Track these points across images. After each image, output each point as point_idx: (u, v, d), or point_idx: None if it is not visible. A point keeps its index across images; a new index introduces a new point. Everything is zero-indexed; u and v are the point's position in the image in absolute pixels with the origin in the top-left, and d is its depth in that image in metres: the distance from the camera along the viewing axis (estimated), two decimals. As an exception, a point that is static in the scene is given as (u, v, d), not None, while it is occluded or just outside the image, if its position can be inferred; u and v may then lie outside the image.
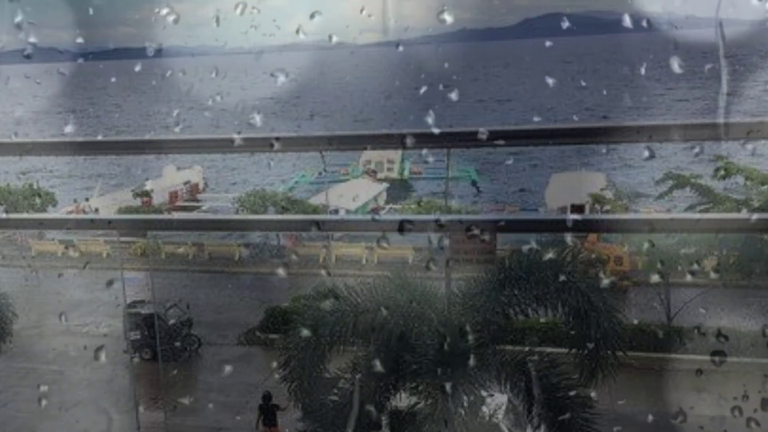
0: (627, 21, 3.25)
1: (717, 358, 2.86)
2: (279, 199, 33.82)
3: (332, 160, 48.45)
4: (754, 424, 2.78)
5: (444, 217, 2.38)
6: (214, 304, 27.45)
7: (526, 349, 13.45)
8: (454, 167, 46.56)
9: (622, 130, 2.46)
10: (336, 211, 33.40)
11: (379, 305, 12.84)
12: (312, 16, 3.69)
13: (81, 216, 21.88)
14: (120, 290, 21.08)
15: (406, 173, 50.46)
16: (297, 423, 14.53)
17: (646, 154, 2.63)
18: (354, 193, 39.57)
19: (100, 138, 2.69)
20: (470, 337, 12.06)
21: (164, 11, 3.09)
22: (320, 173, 45.87)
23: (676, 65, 2.65)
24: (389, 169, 48.98)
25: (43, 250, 34.69)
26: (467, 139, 2.52)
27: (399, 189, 47.55)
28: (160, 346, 21.18)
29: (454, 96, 2.57)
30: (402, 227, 2.45)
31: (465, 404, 10.94)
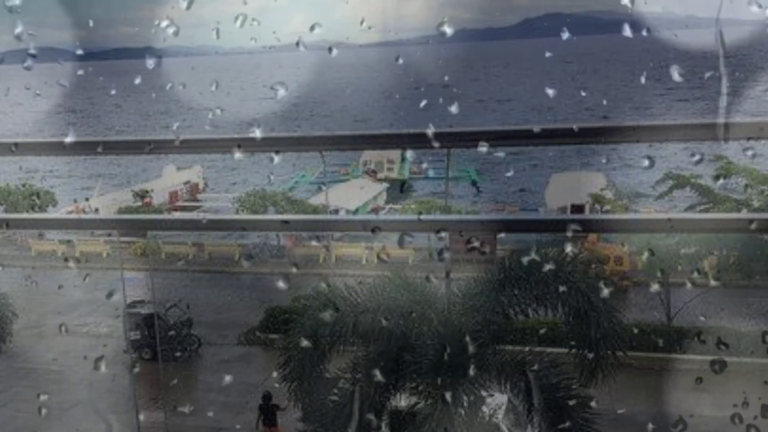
0: (627, 30, 3.25)
1: (717, 366, 2.85)
2: (279, 199, 33.83)
3: (332, 160, 48.46)
4: (754, 431, 2.78)
5: (444, 217, 2.38)
6: (214, 304, 27.45)
7: (526, 349, 13.45)
8: (454, 167, 46.55)
9: (622, 130, 2.46)
10: (336, 211, 33.41)
11: (379, 305, 12.84)
12: (312, 28, 3.70)
13: (81, 216, 21.86)
14: (120, 290, 21.07)
15: (406, 173, 50.46)
16: (297, 423, 14.54)
17: (646, 163, 2.63)
18: (354, 193, 39.60)
19: (100, 138, 2.69)
20: (470, 338, 12.07)
21: (164, 23, 3.08)
22: (320, 173, 45.90)
23: (676, 74, 2.65)
24: (389, 169, 48.98)
25: (43, 250, 34.70)
26: (467, 139, 2.52)
27: (399, 189, 47.55)
28: (160, 346, 21.18)
29: (454, 109, 2.56)
30: (401, 241, 2.46)
31: (465, 404, 10.94)
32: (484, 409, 12.36)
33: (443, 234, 2.52)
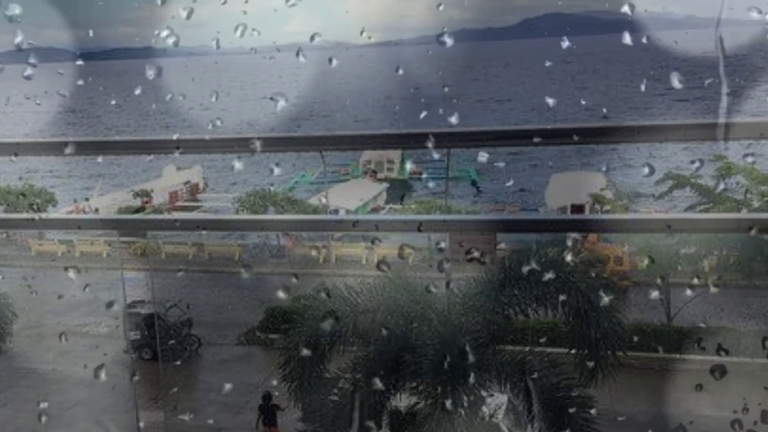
0: (627, 39, 3.25)
1: (717, 373, 2.85)
2: (279, 199, 33.81)
3: (332, 160, 48.45)
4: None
5: (444, 217, 2.38)
6: (214, 304, 27.44)
7: (526, 349, 13.45)
8: (454, 167, 46.55)
9: (622, 130, 2.46)
10: (336, 211, 33.41)
11: (379, 305, 12.84)
12: (312, 38, 3.70)
13: (81, 216, 21.88)
14: (120, 290, 21.09)
15: (406, 173, 50.46)
16: (297, 423, 14.53)
17: (646, 171, 2.63)
18: (354, 193, 39.60)
19: (100, 138, 2.69)
20: (470, 338, 12.06)
21: (164, 33, 3.09)
22: (320, 173, 45.91)
23: (675, 80, 2.65)
24: (389, 169, 48.99)
25: (43, 250, 34.70)
26: (467, 139, 2.52)
27: (399, 189, 47.56)
28: (160, 346, 21.18)
29: (454, 120, 2.56)
30: (402, 253, 2.46)
31: (465, 404, 10.93)
32: (484, 409, 12.35)
33: (443, 244, 2.52)
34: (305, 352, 12.78)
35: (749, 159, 20.92)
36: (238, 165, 2.54)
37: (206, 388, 21.64)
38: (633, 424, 16.40)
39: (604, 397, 14.78)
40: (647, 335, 20.80)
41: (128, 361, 21.59)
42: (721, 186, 21.39)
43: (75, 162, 55.16)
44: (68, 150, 2.66)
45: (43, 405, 17.57)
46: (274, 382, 15.14)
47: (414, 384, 12.01)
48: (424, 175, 49.49)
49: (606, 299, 12.11)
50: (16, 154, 2.65)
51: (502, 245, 25.89)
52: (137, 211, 32.46)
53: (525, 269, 12.96)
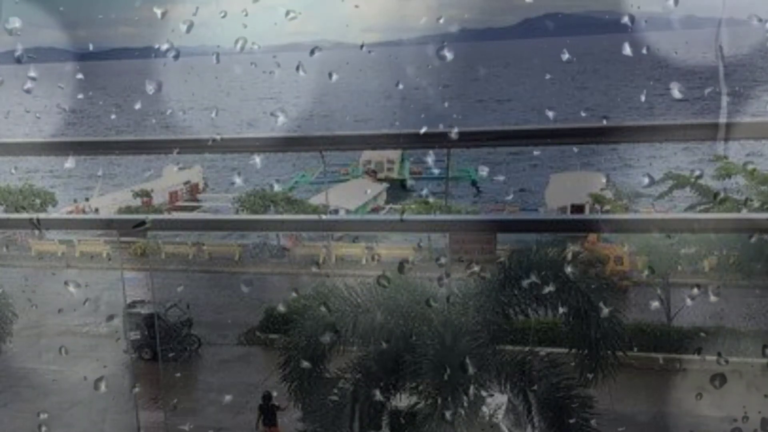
0: (627, 49, 3.26)
1: (717, 382, 2.85)
2: (279, 199, 33.80)
3: (332, 160, 48.45)
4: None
5: (444, 217, 2.38)
6: (214, 304, 27.43)
7: (526, 349, 13.45)
8: (454, 167, 46.54)
9: (622, 130, 2.47)
10: (336, 211, 33.40)
11: (379, 305, 12.84)
12: (312, 52, 3.71)
13: (81, 216, 21.89)
14: (120, 290, 21.09)
15: (406, 173, 50.45)
16: (297, 423, 14.53)
17: (646, 181, 2.63)
18: (354, 193, 39.59)
19: (100, 138, 2.69)
20: (470, 338, 12.06)
21: (164, 46, 3.10)
22: (320, 173, 45.90)
23: (676, 90, 2.66)
24: (389, 169, 48.98)
25: (43, 250, 34.69)
26: (467, 139, 2.52)
27: (399, 189, 47.55)
28: (160, 346, 21.18)
29: (454, 135, 2.57)
30: (401, 268, 2.46)
31: (465, 404, 10.93)
32: (484, 409, 12.35)
33: (443, 260, 2.52)
34: (305, 364, 12.80)
35: (749, 166, 21.04)
36: (238, 180, 2.55)
37: (206, 388, 21.64)
38: (633, 424, 16.40)
39: (604, 397, 14.78)
40: (647, 335, 20.80)
41: (128, 361, 21.58)
42: (722, 195, 21.38)
43: (75, 162, 55.13)
44: (68, 149, 2.67)
45: (43, 405, 17.63)
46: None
47: (414, 384, 12.01)
48: (424, 175, 49.50)
49: (606, 310, 12.15)
50: (16, 168, 2.66)
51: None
52: (138, 225, 32.39)
53: (525, 269, 12.96)
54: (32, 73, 2.86)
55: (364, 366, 12.62)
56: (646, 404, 18.38)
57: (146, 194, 42.48)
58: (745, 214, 2.31)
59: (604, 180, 33.80)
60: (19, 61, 2.75)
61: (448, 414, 10.85)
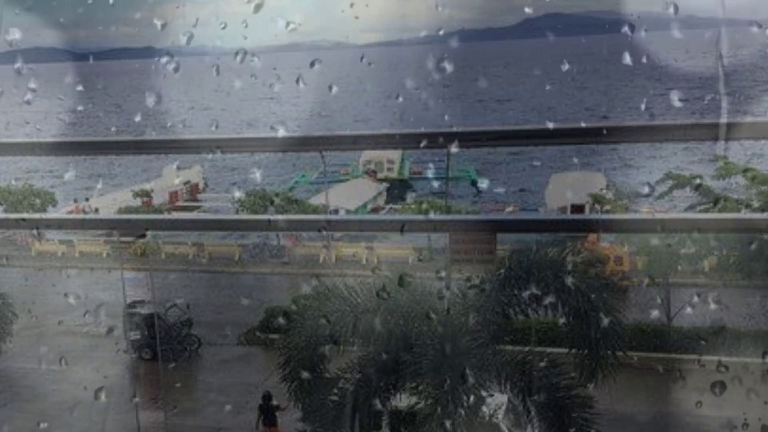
0: (627, 58, 3.27)
1: (717, 389, 2.86)
2: (279, 199, 33.81)
3: (332, 160, 48.44)
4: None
5: (444, 217, 2.38)
6: (214, 304, 27.44)
7: (526, 349, 13.46)
8: (454, 167, 46.54)
9: (622, 130, 2.47)
10: (336, 211, 33.40)
11: (379, 305, 12.84)
12: (312, 64, 3.73)
13: (81, 216, 21.82)
14: (120, 290, 21.09)
15: (406, 173, 50.45)
16: (297, 423, 14.53)
17: (646, 190, 2.63)
18: (354, 193, 39.59)
19: (100, 138, 2.70)
20: (470, 338, 12.07)
21: (164, 59, 3.12)
22: (320, 173, 45.90)
23: (676, 99, 2.66)
24: (389, 169, 48.97)
25: (43, 250, 34.69)
26: (467, 139, 2.52)
27: (399, 189, 47.54)
28: (160, 346, 21.18)
29: (454, 149, 2.57)
30: (402, 282, 2.45)
31: (465, 404, 10.94)
32: (484, 409, 12.36)
33: (443, 273, 2.53)
34: (305, 375, 12.81)
35: (749, 174, 21.06)
36: (238, 194, 2.56)
37: (206, 388, 21.65)
38: (633, 424, 16.40)
39: (604, 397, 14.78)
40: (647, 335, 20.80)
41: (128, 361, 21.58)
42: (722, 203, 21.37)
43: (75, 162, 55.14)
44: (68, 150, 2.67)
45: (43, 405, 17.63)
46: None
47: (414, 384, 12.01)
48: (424, 175, 49.51)
49: (606, 321, 12.17)
50: (17, 179, 2.68)
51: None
52: (140, 237, 32.49)
53: (525, 269, 12.96)
54: (32, 85, 2.87)
55: (364, 366, 12.62)
56: (645, 404, 18.37)
57: (146, 194, 42.50)
58: (745, 214, 2.31)
59: (604, 180, 33.79)
60: (19, 72, 2.77)
61: (447, 414, 10.85)
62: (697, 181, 18.41)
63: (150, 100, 3.16)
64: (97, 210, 38.32)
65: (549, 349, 14.49)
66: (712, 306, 21.90)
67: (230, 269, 31.99)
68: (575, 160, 42.62)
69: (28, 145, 2.75)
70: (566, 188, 35.54)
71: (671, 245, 20.53)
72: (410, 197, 42.25)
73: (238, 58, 3.09)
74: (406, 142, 2.65)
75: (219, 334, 24.83)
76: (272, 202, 31.58)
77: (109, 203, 40.39)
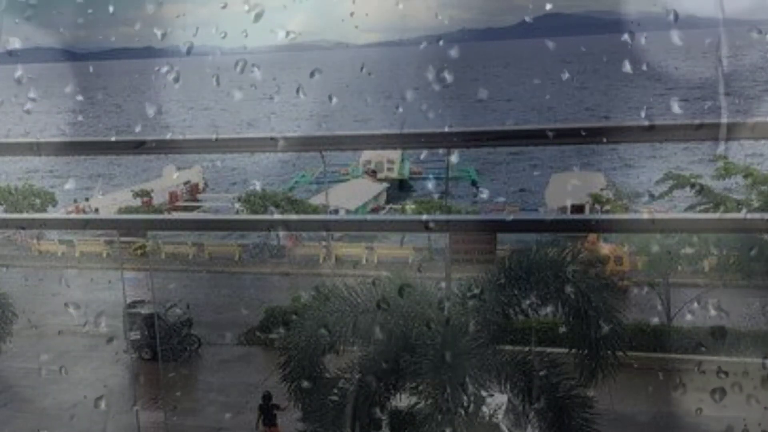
0: (627, 67, 3.28)
1: (717, 395, 2.86)
2: (279, 199, 33.81)
3: (332, 160, 48.45)
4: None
5: (444, 217, 2.38)
6: (214, 304, 27.44)
7: (526, 349, 13.44)
8: (454, 167, 46.55)
9: (622, 130, 2.46)
10: (336, 211, 33.41)
11: (379, 305, 12.83)
12: (312, 74, 3.72)
13: (81, 216, 21.82)
14: (120, 290, 21.09)
15: (406, 173, 50.46)
16: (297, 423, 14.53)
17: (646, 198, 2.64)
18: (354, 193, 39.59)
19: (100, 138, 2.70)
20: (470, 338, 12.06)
21: (164, 68, 3.13)
22: (320, 173, 45.90)
23: (676, 106, 2.66)
24: (389, 169, 48.98)
25: (43, 250, 34.70)
26: (467, 139, 2.52)
27: (399, 189, 47.57)
28: (160, 346, 21.17)
29: (454, 135, 2.57)
30: (401, 292, 2.45)
31: (465, 404, 10.93)
32: (484, 409, 12.35)
33: (442, 284, 2.53)
34: (305, 384, 12.80)
35: (749, 177, 21.04)
36: (237, 205, 2.56)
37: (206, 388, 21.65)
38: (633, 424, 16.40)
39: (604, 397, 14.79)
40: (647, 335, 20.80)
41: (128, 361, 21.58)
42: (722, 209, 21.37)
43: (75, 162, 55.16)
44: (68, 150, 2.67)
45: (43, 405, 17.62)
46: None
47: (414, 384, 12.00)
48: (424, 175, 49.53)
49: (606, 328, 12.15)
50: (17, 187, 2.68)
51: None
52: (140, 248, 32.57)
53: (525, 269, 12.95)
54: (32, 95, 2.88)
55: (364, 366, 12.61)
56: (645, 404, 18.36)
57: (146, 194, 42.51)
58: (745, 214, 2.31)
59: (604, 180, 33.80)
60: (19, 81, 2.77)
61: (447, 414, 10.84)
62: (697, 186, 18.39)
63: (150, 112, 3.17)
64: (97, 210, 38.34)
65: (549, 349, 14.48)
66: (712, 307, 21.93)
67: (230, 269, 32.00)
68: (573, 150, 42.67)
69: (28, 145, 2.75)
70: (566, 188, 35.58)
71: (671, 245, 20.54)
72: (410, 197, 42.29)
73: (238, 68, 3.10)
74: (406, 142, 2.65)
75: (219, 334, 24.84)
76: (277, 206, 31.63)
77: (109, 203, 40.39)
